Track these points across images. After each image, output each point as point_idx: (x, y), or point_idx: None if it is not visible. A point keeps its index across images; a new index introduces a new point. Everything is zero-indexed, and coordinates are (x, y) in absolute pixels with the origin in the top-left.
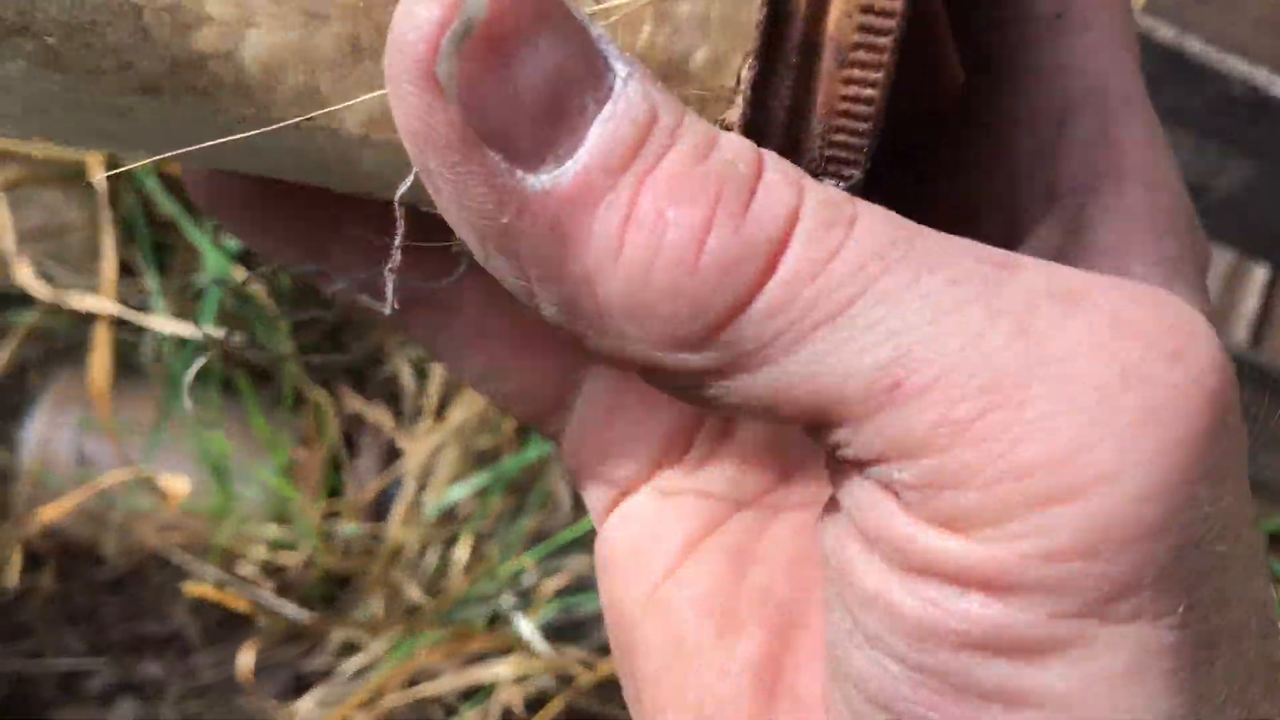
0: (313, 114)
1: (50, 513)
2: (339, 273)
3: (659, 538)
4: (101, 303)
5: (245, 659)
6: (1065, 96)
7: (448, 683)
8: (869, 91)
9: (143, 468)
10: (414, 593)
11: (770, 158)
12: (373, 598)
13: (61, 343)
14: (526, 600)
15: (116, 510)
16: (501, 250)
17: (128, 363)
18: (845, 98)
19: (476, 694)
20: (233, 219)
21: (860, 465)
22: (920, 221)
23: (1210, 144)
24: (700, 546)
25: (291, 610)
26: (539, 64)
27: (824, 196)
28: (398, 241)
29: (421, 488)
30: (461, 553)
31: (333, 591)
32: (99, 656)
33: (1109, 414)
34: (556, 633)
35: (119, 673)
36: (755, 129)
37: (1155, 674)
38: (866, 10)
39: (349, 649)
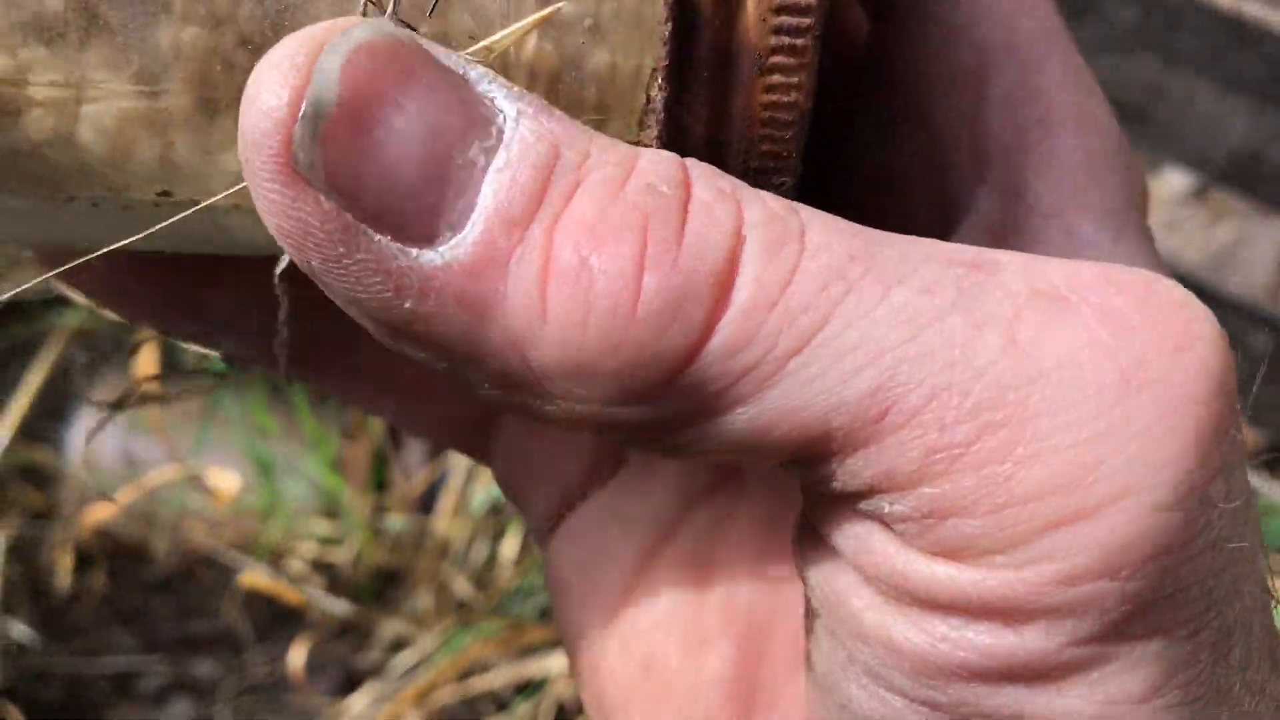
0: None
1: (100, 513)
2: (226, 327)
3: (609, 555)
4: None
5: (296, 656)
6: (981, 49)
7: (500, 676)
8: (792, 96)
9: (190, 465)
10: (463, 586)
11: (699, 171)
12: (422, 592)
13: (106, 344)
14: None
15: (166, 509)
16: (412, 337)
17: (172, 361)
18: (768, 105)
19: (528, 688)
20: (91, 291)
21: (848, 498)
22: (846, 198)
23: (1270, 110)
24: (654, 561)
25: (341, 606)
26: (410, 128)
27: (766, 210)
28: (282, 317)
29: (468, 480)
30: (510, 545)
31: (382, 586)
32: (151, 655)
33: (1116, 423)
34: None
35: (172, 672)
36: (674, 148)
37: (1176, 685)
38: (781, 10)
39: (399, 645)
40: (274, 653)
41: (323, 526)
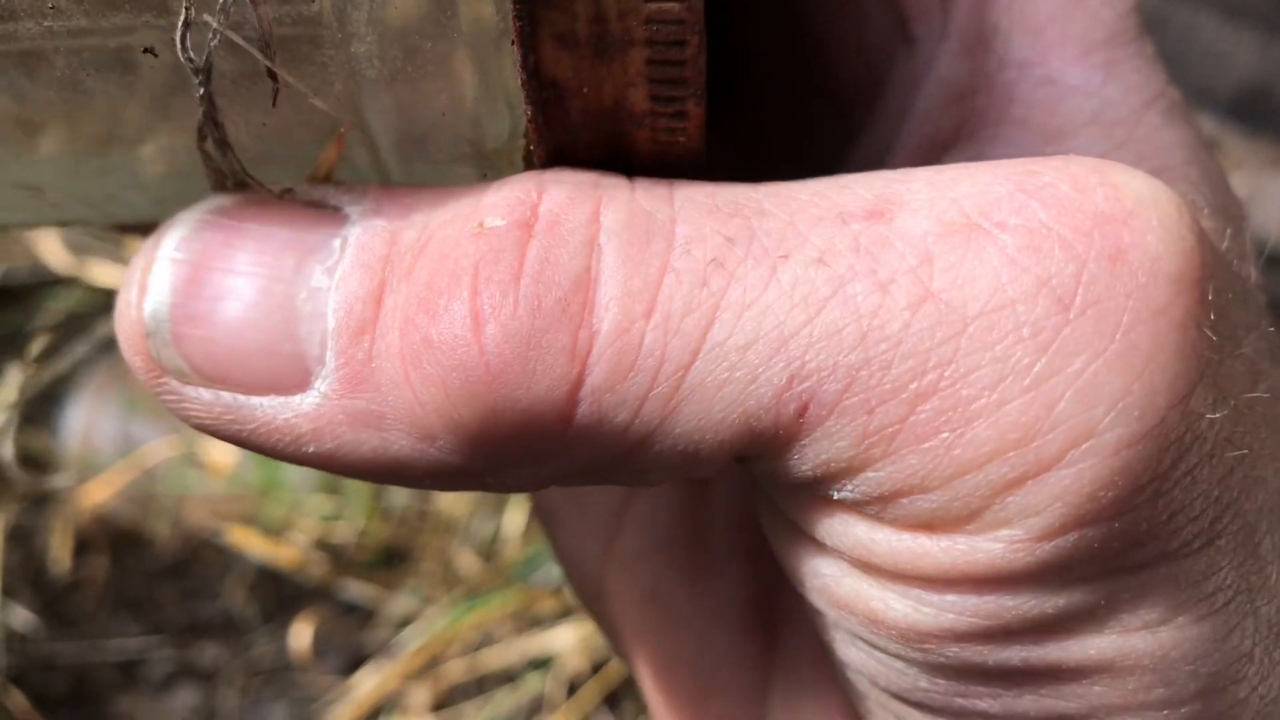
0: None
1: (96, 492)
2: None
3: None
4: None
5: (301, 637)
6: None
7: (508, 650)
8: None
9: (185, 441)
10: (469, 561)
11: (553, 181)
12: (427, 568)
13: (100, 327)
14: None
15: (166, 494)
16: (342, 471)
17: None
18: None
19: (538, 662)
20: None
21: (798, 487)
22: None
23: (1278, 42)
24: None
25: (348, 585)
26: (245, 290)
27: (630, 208)
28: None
29: None
30: (515, 518)
31: (387, 563)
32: (156, 637)
33: (1058, 362)
34: None
35: (177, 657)
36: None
37: (1196, 599)
38: None
39: (406, 622)
40: (279, 634)
41: (324, 504)
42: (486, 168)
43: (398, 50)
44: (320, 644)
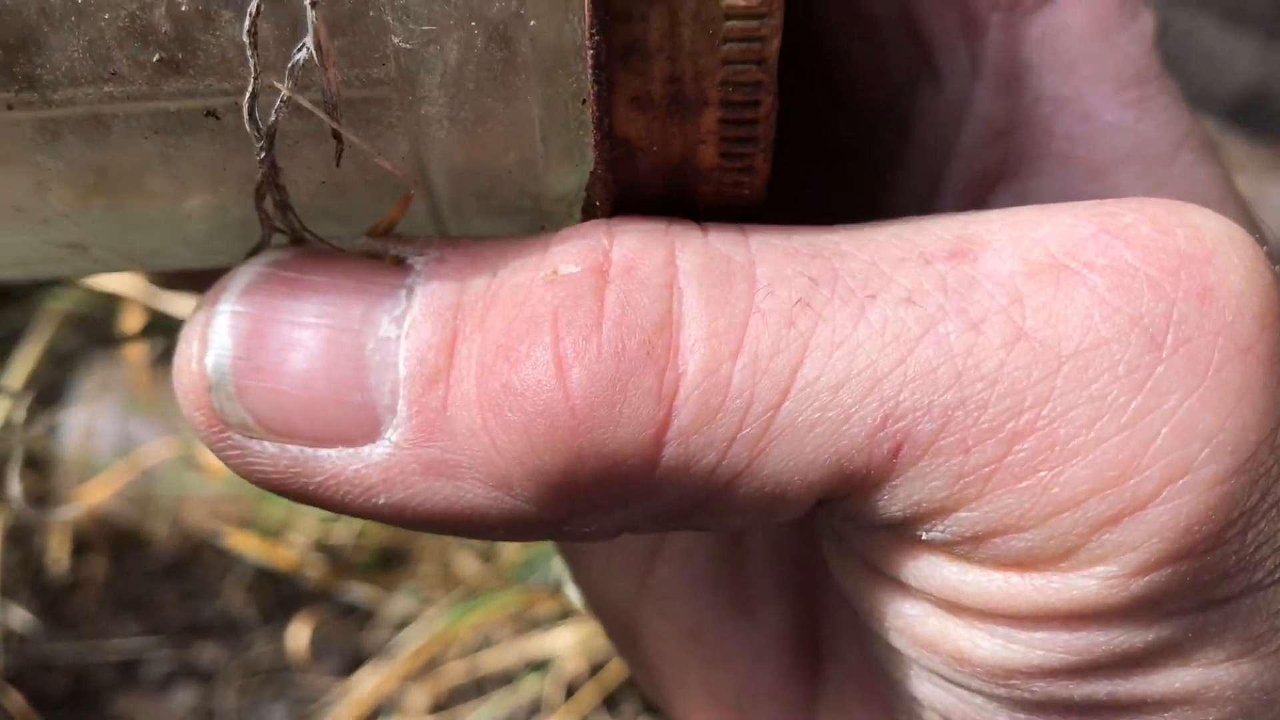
0: None
1: (94, 492)
2: None
3: None
4: (132, 280)
5: (300, 635)
6: None
7: (507, 652)
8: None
9: (184, 442)
10: (468, 562)
11: (621, 228)
12: (426, 569)
13: (98, 327)
14: None
15: (163, 493)
16: (412, 524)
17: (169, 342)
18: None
19: (536, 664)
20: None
21: (883, 529)
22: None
23: (1278, 45)
24: None
25: (346, 586)
26: (312, 340)
27: (706, 250)
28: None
29: None
30: None
31: (386, 564)
32: (155, 637)
33: (1153, 400)
34: None
35: (176, 658)
36: (622, 165)
37: (1274, 631)
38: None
39: (405, 623)
40: (277, 635)
41: None
42: (544, 219)
43: (469, 112)
44: (319, 645)
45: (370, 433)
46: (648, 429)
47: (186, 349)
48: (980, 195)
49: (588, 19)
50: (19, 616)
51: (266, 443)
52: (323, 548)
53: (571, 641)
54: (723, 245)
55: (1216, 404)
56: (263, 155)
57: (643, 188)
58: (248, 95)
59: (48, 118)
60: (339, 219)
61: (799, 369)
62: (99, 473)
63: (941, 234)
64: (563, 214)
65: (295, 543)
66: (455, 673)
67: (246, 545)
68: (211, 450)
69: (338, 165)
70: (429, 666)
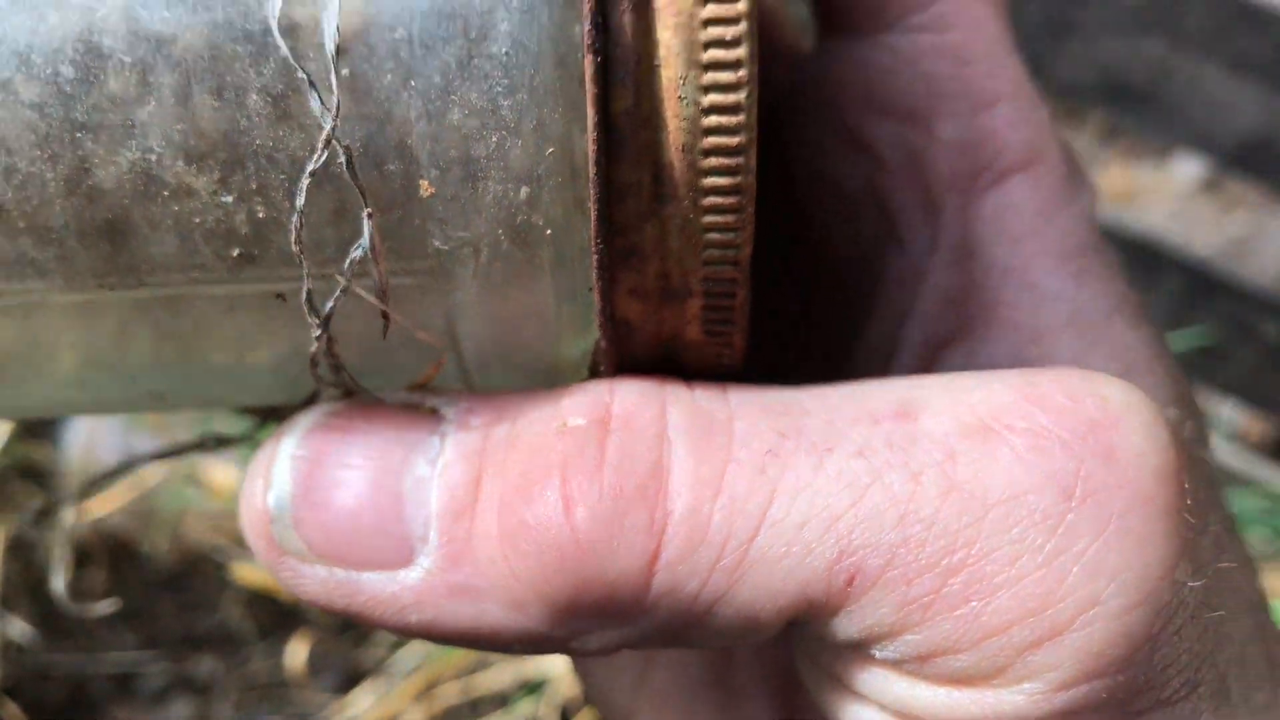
0: None
1: (97, 505)
2: None
3: None
4: None
5: (296, 653)
6: (930, 82)
7: (502, 674)
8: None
9: (187, 460)
10: None
11: (623, 390)
12: None
13: None
14: None
15: (165, 507)
16: (437, 638)
17: None
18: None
19: (531, 686)
20: None
21: (842, 647)
22: (788, 202)
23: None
24: None
25: None
26: (359, 480)
27: (692, 407)
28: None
29: None
30: None
31: None
32: (152, 651)
33: (1065, 542)
34: None
35: (173, 670)
36: (620, 338)
37: None
38: (712, 208)
39: (401, 642)
40: (275, 650)
41: None
42: (556, 378)
43: (495, 297)
44: (316, 661)
45: (405, 559)
46: (641, 559)
47: (252, 485)
48: (935, 354)
49: (594, 230)
50: (18, 628)
51: (318, 566)
52: None
53: (567, 665)
54: (706, 402)
55: (1120, 546)
56: (319, 333)
57: (639, 356)
58: (303, 290)
59: (140, 296)
60: (383, 376)
61: (769, 509)
62: (99, 485)
63: (889, 396)
64: (571, 373)
65: None
66: (450, 693)
67: (249, 576)
68: (269, 569)
69: (384, 337)
70: (425, 687)
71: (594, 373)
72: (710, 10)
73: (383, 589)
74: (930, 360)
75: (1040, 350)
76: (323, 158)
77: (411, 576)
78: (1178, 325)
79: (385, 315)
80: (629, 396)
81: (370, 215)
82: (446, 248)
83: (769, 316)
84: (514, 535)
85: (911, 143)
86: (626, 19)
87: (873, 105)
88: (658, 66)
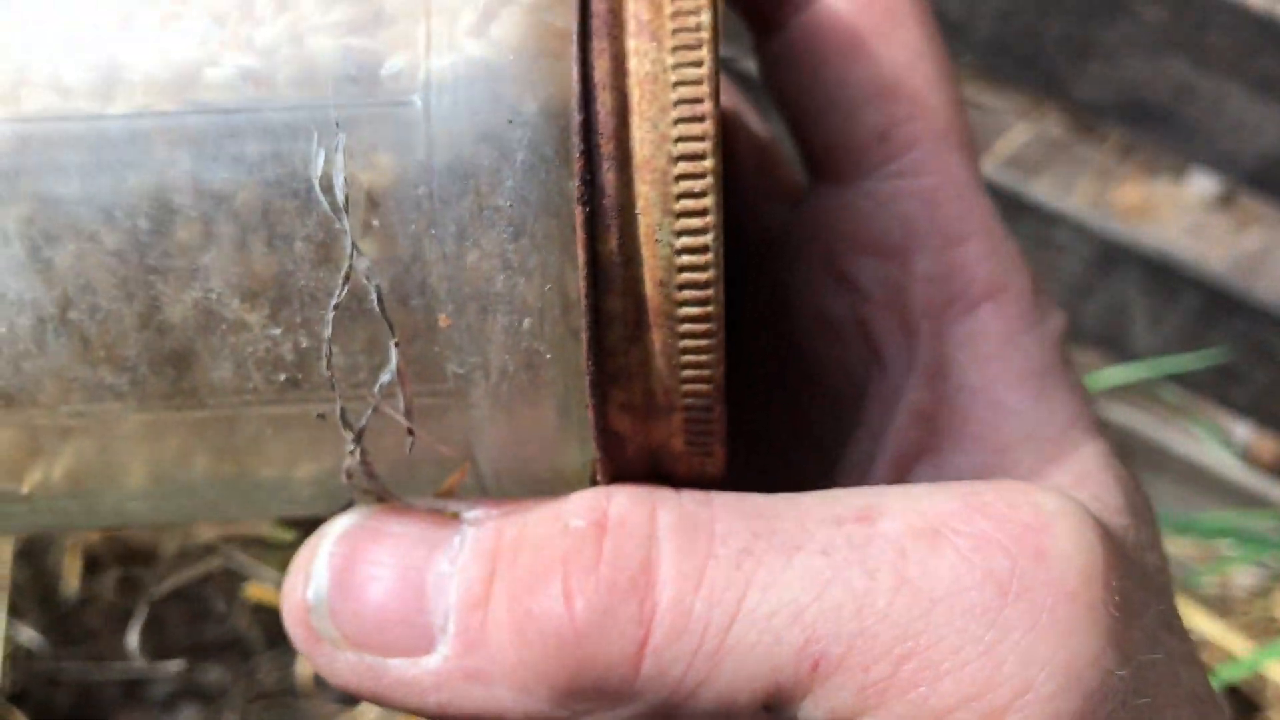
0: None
1: None
2: None
3: None
4: None
5: (305, 663)
6: (905, 223)
7: None
8: (706, 387)
9: None
10: None
11: (618, 494)
12: None
13: None
14: None
15: None
16: (451, 714)
17: None
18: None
19: None
20: None
21: None
22: (778, 331)
23: None
24: None
25: None
26: (388, 576)
27: (679, 510)
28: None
29: None
30: None
31: None
32: (161, 661)
33: (1001, 634)
34: None
35: (181, 678)
36: (612, 453)
37: None
38: (688, 334)
39: None
40: (284, 659)
41: None
42: (561, 485)
43: (505, 414)
44: None
45: (427, 646)
46: (632, 645)
47: (294, 580)
48: (908, 465)
49: (585, 354)
50: (26, 634)
51: (349, 653)
52: None
53: None
54: (692, 505)
55: (1049, 638)
56: (353, 448)
57: (631, 465)
58: (338, 409)
59: (201, 417)
60: (411, 485)
61: (743, 600)
62: None
63: (853, 502)
64: (575, 482)
65: None
66: None
67: (262, 595)
68: (305, 655)
69: (409, 452)
70: None
71: (594, 481)
72: (681, 168)
73: (406, 673)
74: (903, 471)
75: (1001, 462)
76: (342, 293)
77: (432, 662)
78: (1193, 344)
79: (410, 431)
80: (623, 501)
81: (397, 344)
82: (462, 371)
83: (766, 434)
84: (521, 624)
85: (890, 276)
86: (610, 176)
87: (855, 244)
88: (638, 215)
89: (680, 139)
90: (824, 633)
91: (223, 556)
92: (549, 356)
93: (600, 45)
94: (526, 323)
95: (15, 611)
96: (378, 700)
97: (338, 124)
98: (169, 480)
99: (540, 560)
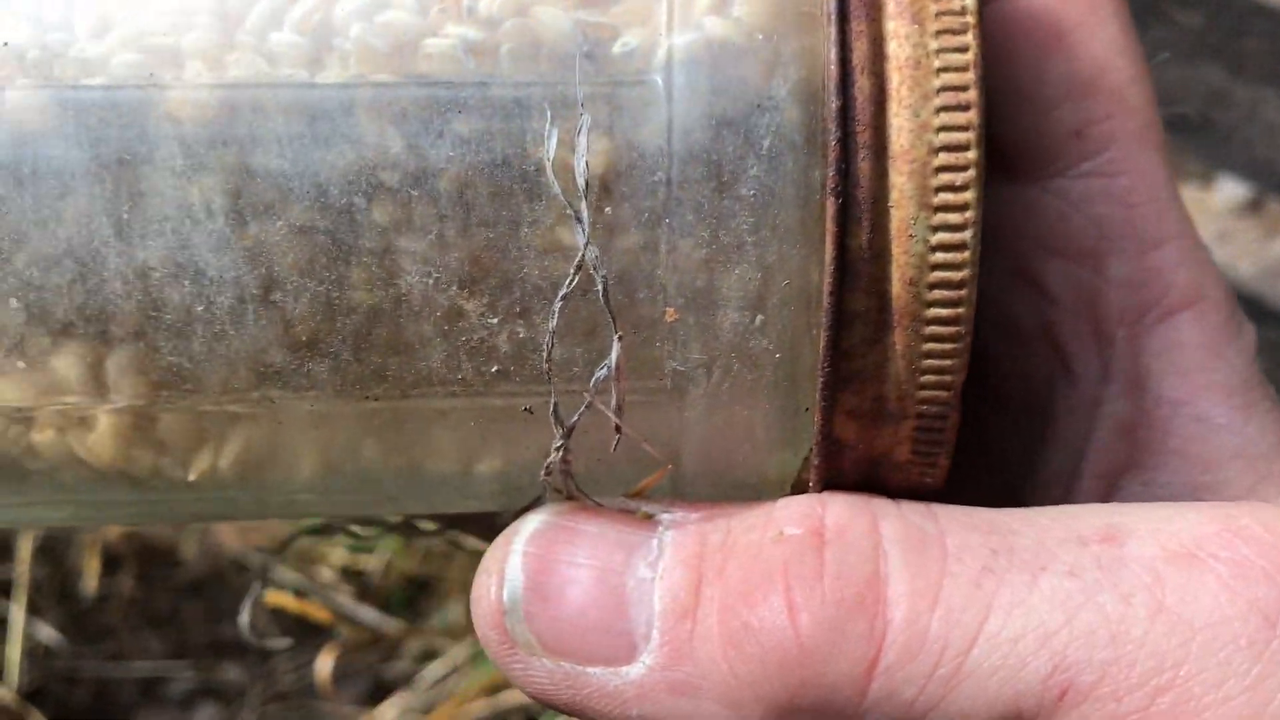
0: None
1: None
2: None
3: None
4: None
5: (324, 665)
6: (1100, 225)
7: None
8: (946, 394)
9: None
10: None
11: (833, 502)
12: (454, 603)
13: None
14: None
15: None
16: None
17: None
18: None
19: None
20: None
21: None
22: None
23: None
24: None
25: (371, 617)
26: (585, 579)
27: (903, 523)
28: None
29: None
30: None
31: (413, 596)
32: (179, 660)
33: (1269, 668)
34: None
35: (199, 677)
36: (831, 457)
37: None
38: (932, 337)
39: (429, 655)
40: (302, 659)
41: (353, 533)
42: (760, 490)
43: (721, 416)
44: (342, 673)
45: (627, 655)
46: (860, 665)
47: (486, 580)
48: (1112, 483)
49: (823, 354)
50: (45, 632)
51: (545, 659)
52: (350, 575)
53: None
54: (914, 517)
55: None
56: (561, 444)
57: (846, 474)
58: (551, 403)
59: (400, 407)
60: (604, 485)
61: (985, 623)
62: None
63: (1094, 521)
64: (775, 487)
65: (323, 576)
66: (478, 709)
67: (282, 602)
68: (497, 661)
69: (614, 450)
70: (454, 702)
71: (797, 489)
72: (942, 159)
73: (606, 684)
74: (1110, 488)
75: (1211, 479)
76: (573, 283)
77: (634, 673)
78: None
79: (618, 429)
80: (840, 509)
81: (620, 338)
82: (683, 369)
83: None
84: (737, 637)
85: (1083, 281)
86: (865, 165)
87: (1045, 246)
88: (890, 208)
89: (942, 128)
90: (1075, 659)
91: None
92: (778, 356)
93: (858, 27)
94: (758, 320)
95: (34, 609)
96: (574, 711)
97: (581, 103)
98: (343, 471)
99: (755, 569)
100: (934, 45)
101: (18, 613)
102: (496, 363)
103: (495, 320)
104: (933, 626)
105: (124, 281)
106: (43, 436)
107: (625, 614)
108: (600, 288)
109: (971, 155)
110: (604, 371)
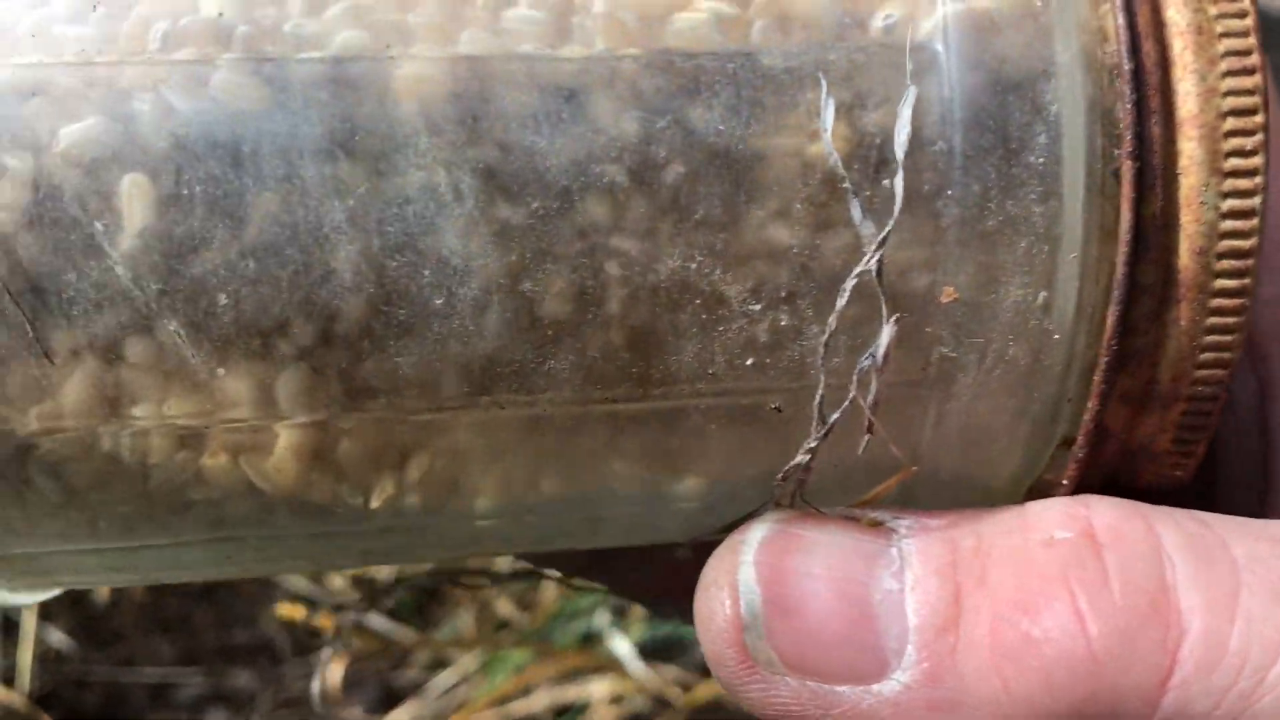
0: None
1: None
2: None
3: None
4: None
5: (333, 673)
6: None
7: (539, 699)
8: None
9: None
10: (505, 608)
11: (1097, 504)
12: (463, 612)
13: None
14: (622, 618)
15: None
16: None
17: None
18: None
19: (568, 713)
20: None
21: None
22: None
23: None
24: None
25: (381, 624)
26: (825, 589)
27: (1180, 530)
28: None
29: None
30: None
31: (423, 604)
32: (190, 666)
33: None
34: (653, 652)
35: (209, 683)
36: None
37: None
38: (1216, 310)
39: (439, 664)
40: (313, 666)
41: None
42: (991, 494)
43: (985, 408)
44: (351, 681)
45: (879, 672)
46: (1154, 675)
47: (717, 594)
48: None
49: (1109, 333)
50: (56, 637)
51: (789, 679)
52: (360, 582)
53: (605, 693)
54: (1189, 524)
55: None
56: (813, 445)
57: (1100, 468)
58: (817, 397)
59: (637, 409)
60: (829, 492)
61: None
62: None
63: None
64: (1005, 493)
65: (333, 582)
66: (488, 718)
67: (293, 613)
68: (733, 684)
69: (860, 452)
70: (463, 711)
71: (1035, 491)
72: (1230, 124)
73: (859, 702)
74: None
75: None
76: (869, 262)
77: (888, 690)
78: None
79: (870, 428)
80: (1109, 512)
81: (898, 320)
82: (954, 355)
83: None
84: (1015, 650)
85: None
86: (1156, 130)
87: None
88: (1179, 175)
89: (1229, 93)
90: None
91: None
92: (1056, 338)
93: None
94: (1041, 297)
95: (45, 614)
96: None
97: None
98: (538, 490)
99: (1029, 576)
100: (1214, 10)
101: (29, 617)
102: (752, 355)
103: (758, 307)
104: (1232, 640)
105: (355, 272)
106: (214, 461)
107: (873, 628)
108: (874, 270)
109: (1259, 119)
110: (868, 360)
